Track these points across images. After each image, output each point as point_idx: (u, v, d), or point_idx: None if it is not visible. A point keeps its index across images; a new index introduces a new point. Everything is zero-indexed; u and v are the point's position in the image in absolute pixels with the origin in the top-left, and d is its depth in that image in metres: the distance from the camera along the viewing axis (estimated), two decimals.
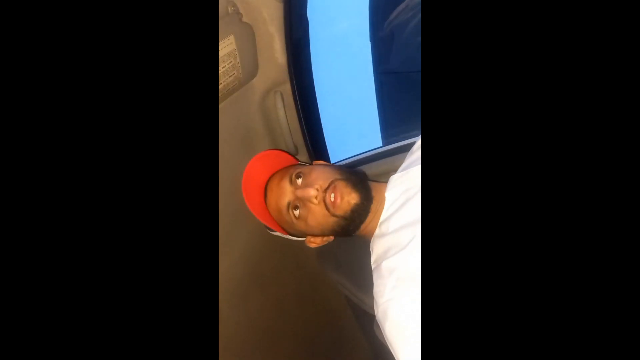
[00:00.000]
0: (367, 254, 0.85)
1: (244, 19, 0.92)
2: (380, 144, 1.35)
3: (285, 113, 1.06)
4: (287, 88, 1.04)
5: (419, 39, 1.81)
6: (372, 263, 0.82)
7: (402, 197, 0.80)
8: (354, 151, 1.31)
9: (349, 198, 0.79)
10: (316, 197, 0.78)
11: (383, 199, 0.82)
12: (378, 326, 0.75)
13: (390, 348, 0.70)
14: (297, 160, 0.96)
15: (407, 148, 1.21)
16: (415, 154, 0.84)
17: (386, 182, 0.86)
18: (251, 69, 0.97)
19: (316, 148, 1.17)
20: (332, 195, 0.78)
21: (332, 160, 1.25)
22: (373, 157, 1.27)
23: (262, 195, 0.87)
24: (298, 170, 0.83)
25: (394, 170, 1.12)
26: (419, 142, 0.91)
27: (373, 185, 0.86)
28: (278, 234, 0.91)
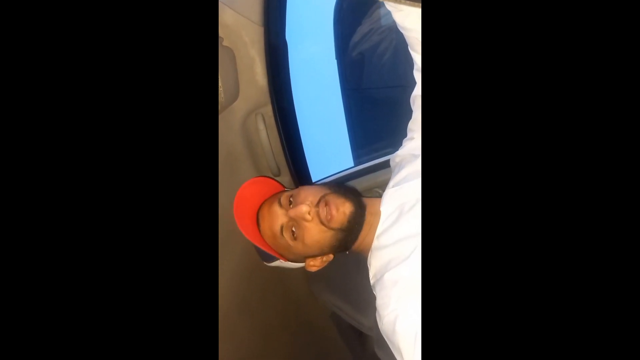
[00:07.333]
0: (359, 272, 0.85)
1: (225, 43, 0.91)
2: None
3: (267, 134, 1.05)
4: (268, 110, 1.04)
5: (388, 58, 1.87)
6: (370, 278, 0.81)
7: (397, 211, 0.81)
8: (333, 170, 1.32)
9: (343, 208, 0.79)
10: (309, 213, 0.78)
11: (378, 213, 0.83)
12: (379, 345, 0.74)
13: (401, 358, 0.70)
14: (283, 186, 0.95)
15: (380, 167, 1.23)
16: (405, 170, 0.84)
17: (377, 197, 0.87)
18: (232, 92, 0.96)
19: (298, 168, 1.16)
20: (326, 209, 0.78)
21: (314, 180, 1.25)
22: (350, 175, 1.28)
23: (255, 225, 0.86)
24: (288, 194, 0.83)
25: (378, 186, 1.13)
26: (397, 156, 0.91)
27: (365, 200, 0.86)
28: (277, 263, 0.89)
